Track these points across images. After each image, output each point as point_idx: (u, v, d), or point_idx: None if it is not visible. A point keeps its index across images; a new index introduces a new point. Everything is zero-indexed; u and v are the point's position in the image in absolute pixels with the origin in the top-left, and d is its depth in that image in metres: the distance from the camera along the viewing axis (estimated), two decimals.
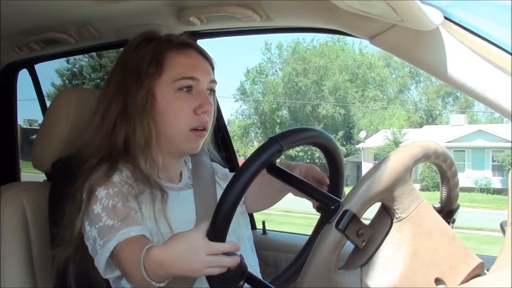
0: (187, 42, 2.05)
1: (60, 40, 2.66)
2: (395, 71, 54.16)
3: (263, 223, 3.04)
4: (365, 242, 1.43)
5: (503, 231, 1.49)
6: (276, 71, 53.08)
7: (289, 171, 1.63)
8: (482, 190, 32.76)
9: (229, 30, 2.57)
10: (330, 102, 48.44)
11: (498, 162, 33.71)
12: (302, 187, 1.62)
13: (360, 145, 42.25)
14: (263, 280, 1.62)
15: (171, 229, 1.86)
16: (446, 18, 1.70)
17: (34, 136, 2.34)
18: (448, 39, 1.69)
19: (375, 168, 1.43)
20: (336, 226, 1.37)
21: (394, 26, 1.75)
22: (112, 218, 1.78)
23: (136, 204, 1.86)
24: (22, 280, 2.18)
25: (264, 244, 2.80)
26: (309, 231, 2.00)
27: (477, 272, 1.49)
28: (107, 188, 1.84)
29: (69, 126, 2.16)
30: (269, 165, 1.54)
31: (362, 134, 42.66)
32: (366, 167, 39.71)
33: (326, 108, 48.22)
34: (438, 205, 1.71)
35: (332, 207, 1.41)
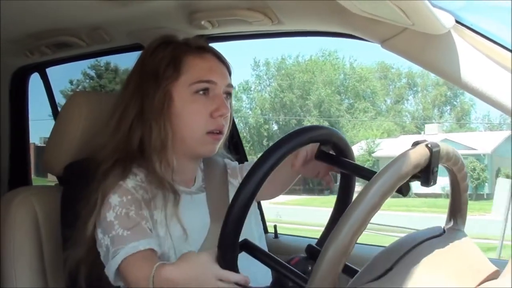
0: (204, 46, 2.06)
1: (71, 43, 2.67)
2: (392, 83, 56.12)
3: (275, 227, 3.03)
4: None
5: None
6: (264, 87, 55.34)
7: (262, 249, 1.64)
8: (448, 196, 32.98)
9: (240, 34, 2.57)
10: (325, 116, 50.20)
11: None
12: (275, 266, 1.61)
13: None
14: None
15: (185, 233, 1.88)
16: (457, 22, 1.70)
17: None
18: (459, 43, 1.68)
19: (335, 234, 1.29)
20: None
21: (406, 30, 1.74)
22: (124, 227, 1.80)
23: (148, 212, 1.87)
24: (34, 283, 2.18)
25: (276, 248, 2.80)
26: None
27: (493, 277, 1.47)
28: (121, 196, 1.85)
29: (81, 130, 2.17)
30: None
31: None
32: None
33: (310, 121, 49.38)
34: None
35: None
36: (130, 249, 1.76)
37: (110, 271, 1.79)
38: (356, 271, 1.51)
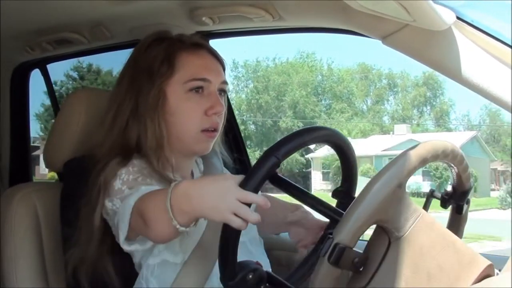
0: (199, 43, 2.05)
1: (73, 40, 2.67)
2: (372, 83, 57.69)
3: None
4: (363, 267, 1.40)
5: None
6: (241, 88, 56.72)
7: (291, 181, 1.61)
8: (413, 194, 34.06)
9: (241, 30, 2.57)
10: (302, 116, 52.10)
11: (426, 168, 36.28)
12: (305, 198, 1.60)
13: (309, 155, 44.11)
14: (283, 281, 1.60)
15: None
16: (458, 18, 1.70)
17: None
18: (460, 39, 1.68)
19: (365, 191, 1.38)
20: (329, 260, 1.35)
21: (407, 26, 1.74)
22: (134, 187, 1.77)
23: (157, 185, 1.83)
24: (34, 280, 2.18)
25: (277, 245, 2.79)
26: None
27: (487, 273, 1.47)
28: (127, 167, 1.85)
29: (82, 126, 2.17)
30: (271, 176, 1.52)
31: (312, 145, 43.97)
32: (315, 175, 43.23)
33: (285, 121, 51.37)
34: (450, 189, 1.69)
35: (324, 241, 1.38)
36: (144, 190, 1.71)
37: (123, 221, 1.71)
38: None
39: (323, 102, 56.69)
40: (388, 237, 1.43)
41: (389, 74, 57.92)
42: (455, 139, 38.00)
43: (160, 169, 1.91)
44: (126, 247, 1.77)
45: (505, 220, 23.10)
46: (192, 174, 2.12)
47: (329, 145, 1.73)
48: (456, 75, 1.68)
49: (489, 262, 1.47)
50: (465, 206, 1.67)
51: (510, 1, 1.80)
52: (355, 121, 52.98)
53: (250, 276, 1.49)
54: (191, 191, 1.53)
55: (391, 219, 1.41)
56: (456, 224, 1.73)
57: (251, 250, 1.97)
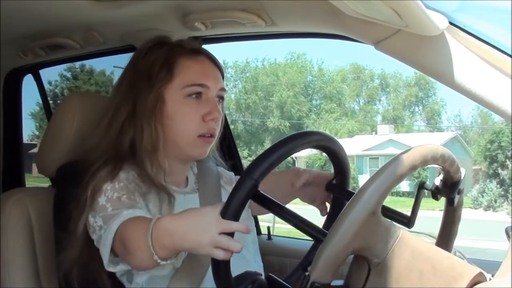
0: (198, 48, 2.05)
1: (65, 45, 2.67)
2: (365, 83, 58.25)
3: (268, 228, 3.03)
4: None
5: (508, 236, 1.47)
6: (230, 88, 57.18)
7: (275, 200, 1.59)
8: (392, 193, 34.77)
9: (234, 35, 2.57)
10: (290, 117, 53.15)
11: None
12: (287, 217, 1.57)
13: (294, 154, 44.11)
14: (283, 282, 1.59)
15: None
16: (451, 23, 1.70)
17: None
18: (453, 44, 1.69)
19: (338, 224, 1.35)
20: None
21: (399, 31, 1.75)
22: (117, 207, 1.77)
23: (142, 201, 1.85)
24: (27, 284, 2.18)
25: (269, 250, 2.80)
26: None
27: (476, 281, 1.45)
28: (113, 182, 1.84)
29: (75, 131, 2.16)
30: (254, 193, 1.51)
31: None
32: None
33: (273, 121, 52.66)
34: (439, 182, 1.65)
35: (302, 279, 1.36)
36: (126, 215, 1.71)
37: (105, 246, 1.72)
38: None
39: (313, 102, 57.46)
40: (367, 263, 1.42)
41: (382, 74, 58.48)
42: (435, 140, 38.54)
43: (154, 174, 1.91)
44: (111, 269, 1.77)
45: (475, 220, 23.34)
46: (187, 179, 2.11)
47: (312, 148, 1.73)
48: (448, 80, 1.68)
49: (478, 271, 1.44)
50: (457, 197, 1.65)
51: (502, 6, 1.80)
52: (343, 121, 53.63)
53: None
54: (173, 228, 1.56)
55: (367, 247, 1.39)
56: (450, 216, 1.72)
57: (244, 255, 1.97)
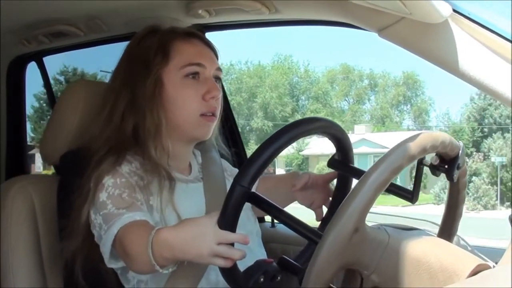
0: (191, 32, 2.07)
1: (69, 33, 2.66)
2: (353, 83, 59.46)
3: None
4: None
5: (511, 223, 1.47)
6: None
7: (270, 201, 1.59)
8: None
9: (237, 23, 2.57)
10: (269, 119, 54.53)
11: None
12: (283, 218, 1.57)
13: None
14: (297, 264, 1.59)
15: (180, 220, 1.85)
16: (455, 11, 1.69)
17: None
18: (457, 32, 1.68)
19: (322, 242, 1.33)
20: None
21: (403, 19, 1.74)
22: (117, 205, 1.78)
23: (143, 196, 1.86)
24: (31, 273, 2.18)
25: (273, 237, 2.80)
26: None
27: (478, 270, 1.44)
28: (115, 178, 1.85)
29: (79, 119, 2.17)
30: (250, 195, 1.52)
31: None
32: (278, 171, 43.70)
33: (256, 121, 54.14)
34: (436, 160, 1.61)
35: None
36: (126, 219, 1.73)
37: (105, 247, 1.76)
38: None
39: (299, 102, 58.79)
40: (359, 274, 1.42)
41: (370, 74, 59.36)
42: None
43: (157, 157, 1.93)
44: (113, 265, 1.81)
45: (436, 215, 23.97)
46: (190, 166, 2.12)
47: (303, 138, 1.72)
48: (452, 68, 1.67)
49: (477, 263, 1.43)
50: (456, 172, 1.63)
51: None
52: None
53: (262, 279, 1.50)
54: (172, 241, 1.60)
55: (356, 262, 1.39)
56: (454, 196, 1.71)
57: (249, 246, 1.97)
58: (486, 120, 39.06)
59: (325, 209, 2.05)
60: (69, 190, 1.93)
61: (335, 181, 2.00)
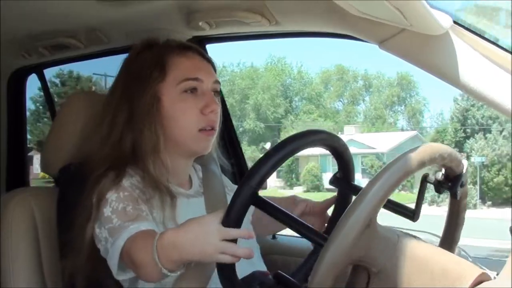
0: (187, 45, 2.07)
1: (69, 45, 2.67)
2: (348, 84, 59.74)
3: None
4: None
5: None
6: None
7: (276, 205, 1.58)
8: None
9: (238, 35, 2.57)
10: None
11: (364, 166, 39.73)
12: (289, 222, 1.57)
13: None
14: (293, 280, 1.59)
15: None
16: (455, 22, 1.70)
17: None
18: (457, 43, 1.69)
19: (334, 236, 1.34)
20: None
21: (404, 31, 1.75)
22: (123, 219, 1.77)
23: (147, 208, 1.85)
24: (31, 285, 2.17)
25: (274, 249, 2.80)
26: None
27: (480, 280, 1.44)
28: (118, 192, 1.84)
29: (79, 130, 2.16)
30: (255, 198, 1.52)
31: (267, 145, 46.72)
32: None
33: (249, 123, 54.65)
34: (440, 176, 1.63)
35: None
36: (132, 230, 1.71)
37: (112, 260, 1.73)
38: None
39: (293, 104, 59.00)
40: (367, 271, 1.42)
41: (365, 75, 59.65)
42: (396, 138, 41.01)
43: (156, 174, 1.91)
44: (121, 277, 1.78)
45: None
46: (190, 180, 2.11)
47: (312, 147, 1.72)
48: (453, 80, 1.68)
49: (480, 272, 1.43)
50: (460, 190, 1.64)
51: (505, 6, 1.80)
52: (320, 122, 54.57)
53: None
54: (177, 240, 1.58)
55: (365, 258, 1.40)
56: (455, 210, 1.71)
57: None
58: (468, 121, 39.19)
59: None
60: (68, 205, 1.93)
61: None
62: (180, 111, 1.95)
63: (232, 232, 1.50)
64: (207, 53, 2.14)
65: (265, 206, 1.56)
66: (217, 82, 2.04)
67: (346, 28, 1.99)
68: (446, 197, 1.66)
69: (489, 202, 34.40)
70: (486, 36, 1.68)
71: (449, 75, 1.69)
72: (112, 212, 1.80)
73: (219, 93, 2.07)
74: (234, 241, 1.51)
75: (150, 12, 2.33)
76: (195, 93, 1.96)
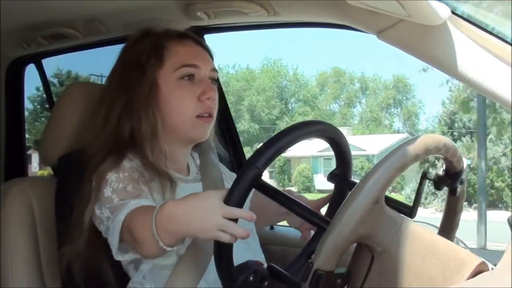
0: (184, 33, 2.08)
1: (68, 35, 2.66)
2: (344, 87, 59.76)
3: None
4: (347, 285, 1.40)
5: (511, 226, 1.47)
6: None
7: (276, 188, 1.59)
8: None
9: (236, 25, 2.57)
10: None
11: (354, 168, 37.76)
12: (292, 206, 1.58)
13: None
14: (286, 273, 1.59)
15: None
16: (453, 12, 1.70)
17: None
18: (455, 33, 1.68)
19: (341, 212, 1.35)
20: (310, 287, 1.35)
21: (402, 21, 1.74)
22: (123, 197, 1.77)
23: (147, 189, 1.85)
24: (29, 276, 2.18)
25: (272, 239, 2.80)
26: None
27: (479, 271, 1.45)
28: (117, 172, 1.84)
29: (77, 121, 2.17)
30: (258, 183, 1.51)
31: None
32: (264, 173, 45.75)
33: (243, 124, 54.37)
34: (441, 172, 1.65)
35: (305, 267, 1.37)
36: (132, 205, 1.71)
37: (113, 236, 1.72)
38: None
39: (288, 106, 59.26)
40: (370, 251, 1.43)
41: (362, 77, 59.86)
42: (387, 141, 40.22)
43: (155, 160, 1.92)
44: (120, 258, 1.77)
45: None
46: (188, 167, 2.11)
47: (315, 138, 1.72)
48: (451, 70, 1.68)
49: (480, 261, 1.44)
50: (459, 187, 1.65)
51: None
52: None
53: (251, 278, 1.49)
54: (176, 213, 1.56)
55: (370, 236, 1.40)
56: (452, 207, 1.73)
57: (249, 243, 1.97)
58: (456, 124, 39.20)
59: (312, 232, 2.03)
60: (67, 193, 1.94)
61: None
62: (177, 98, 1.96)
63: (235, 211, 1.48)
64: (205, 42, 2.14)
65: (267, 190, 1.57)
66: (215, 70, 2.05)
67: (344, 19, 1.99)
68: (433, 199, 1.67)
69: (475, 205, 34.47)
70: (483, 26, 1.68)
71: (447, 65, 1.69)
72: (112, 192, 1.80)
73: (216, 81, 2.07)
74: (235, 221, 1.49)
75: (149, 2, 2.33)
76: (193, 80, 1.97)
